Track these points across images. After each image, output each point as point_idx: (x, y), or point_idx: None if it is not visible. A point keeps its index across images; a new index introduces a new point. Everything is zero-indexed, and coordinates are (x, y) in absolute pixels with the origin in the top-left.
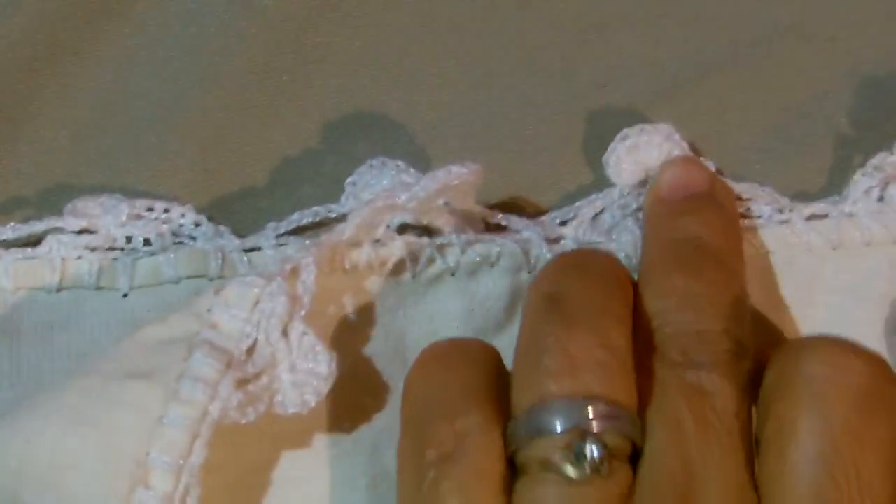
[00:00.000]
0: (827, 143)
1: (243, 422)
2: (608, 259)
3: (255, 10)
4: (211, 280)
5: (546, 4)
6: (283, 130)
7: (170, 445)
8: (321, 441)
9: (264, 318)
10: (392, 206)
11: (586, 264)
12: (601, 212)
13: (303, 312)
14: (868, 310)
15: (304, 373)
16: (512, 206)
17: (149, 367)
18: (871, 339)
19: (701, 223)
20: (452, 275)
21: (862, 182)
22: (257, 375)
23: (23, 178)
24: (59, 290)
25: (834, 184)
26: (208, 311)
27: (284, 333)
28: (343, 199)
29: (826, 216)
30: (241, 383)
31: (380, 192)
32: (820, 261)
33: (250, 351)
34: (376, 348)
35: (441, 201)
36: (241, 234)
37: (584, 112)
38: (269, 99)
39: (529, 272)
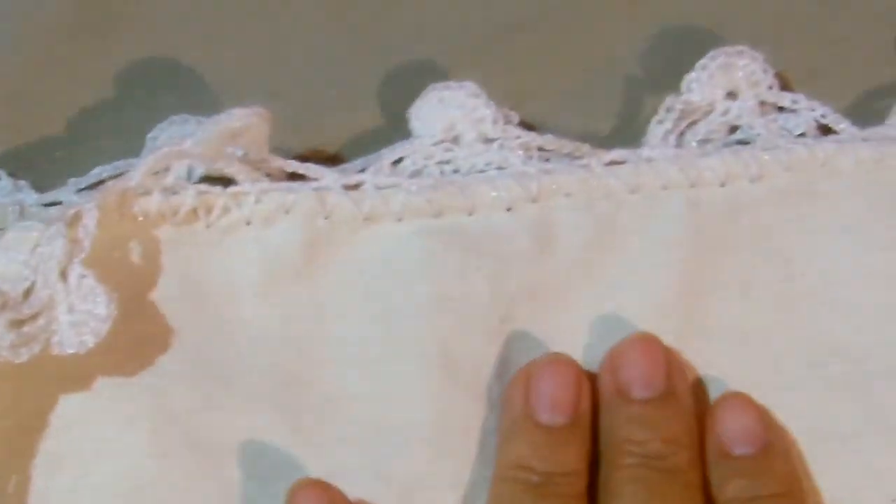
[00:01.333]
0: (626, 93)
1: (17, 361)
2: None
3: None
4: None
5: None
6: (85, 86)
7: None
8: (103, 383)
9: (42, 262)
10: (178, 152)
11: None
12: (401, 159)
13: (82, 256)
14: (665, 252)
15: (82, 313)
16: (313, 158)
17: None
18: (666, 283)
19: (662, 440)
20: (248, 223)
21: (658, 128)
22: (34, 316)
23: None
24: None
25: (635, 130)
26: None
27: (63, 276)
28: (144, 153)
29: (625, 162)
30: (16, 324)
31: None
32: (618, 205)
33: (27, 293)
34: (164, 294)
35: (234, 150)
36: (41, 189)
37: (391, 68)
38: (71, 55)
39: (326, 218)
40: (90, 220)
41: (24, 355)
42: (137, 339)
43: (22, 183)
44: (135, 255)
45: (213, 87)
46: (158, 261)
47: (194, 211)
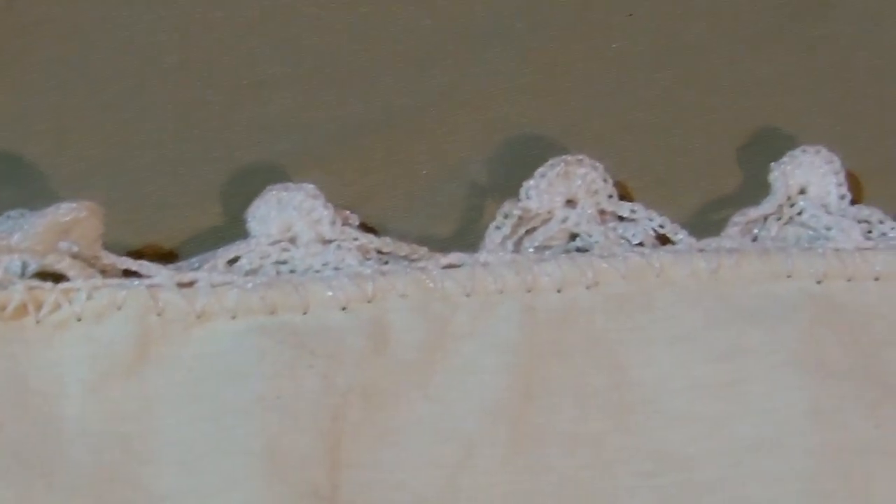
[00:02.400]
0: (469, 199)
1: None
2: None
3: None
4: None
5: (203, 63)
6: None
7: None
8: None
9: None
10: (5, 246)
11: None
12: (237, 258)
13: None
14: (499, 356)
15: None
16: (149, 255)
17: None
18: (498, 387)
19: None
20: (79, 319)
21: (496, 233)
22: None
23: None
24: None
25: (474, 237)
26: None
27: None
28: None
29: (461, 266)
30: None
31: None
32: (453, 308)
33: None
34: None
35: (65, 245)
36: None
37: (232, 168)
38: None
39: (158, 315)
40: None
41: None
42: None
43: None
44: None
45: (52, 182)
46: None
47: (23, 306)
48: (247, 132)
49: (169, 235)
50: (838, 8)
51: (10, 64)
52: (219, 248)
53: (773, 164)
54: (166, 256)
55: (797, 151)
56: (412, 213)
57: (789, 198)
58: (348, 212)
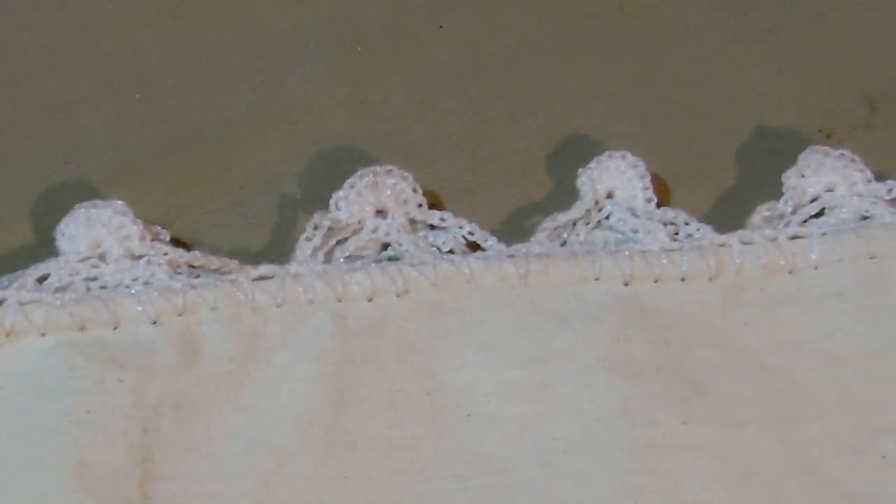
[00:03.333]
0: (280, 211)
1: None
2: None
3: None
4: None
5: (11, 83)
6: None
7: None
8: None
9: None
10: None
11: None
12: (47, 276)
13: None
14: (311, 365)
15: None
16: None
17: None
18: (311, 395)
19: None
20: None
21: (307, 245)
22: None
23: None
24: None
25: (287, 250)
26: None
27: None
28: None
29: (273, 277)
30: None
31: None
32: (264, 319)
33: None
34: None
35: None
36: None
37: (43, 188)
38: None
39: None
40: None
41: None
42: None
43: None
44: None
45: None
46: None
47: None
48: (56, 151)
49: None
50: (640, 18)
51: None
52: (26, 267)
53: (580, 169)
54: None
55: (603, 157)
56: (224, 227)
57: (597, 202)
58: (158, 227)
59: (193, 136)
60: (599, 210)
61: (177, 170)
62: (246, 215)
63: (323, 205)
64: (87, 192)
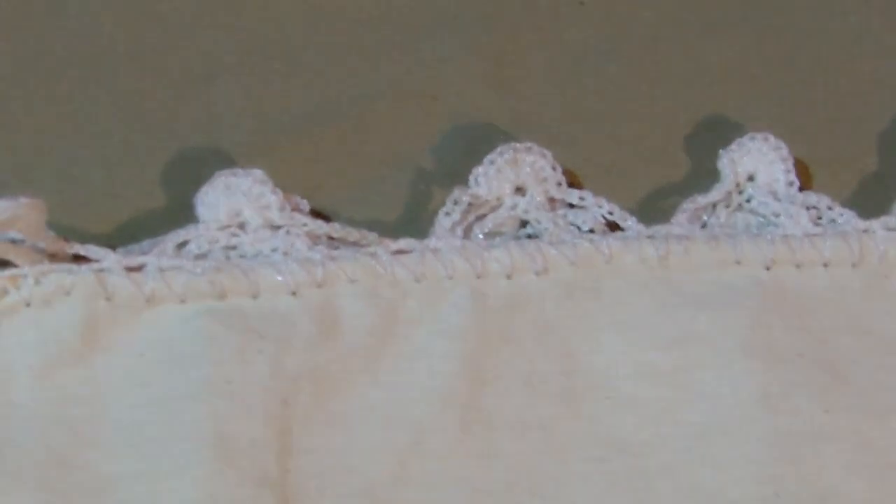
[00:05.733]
0: (416, 186)
1: None
2: None
3: None
4: None
5: (151, 53)
6: None
7: None
8: None
9: None
10: None
11: None
12: (186, 243)
13: None
14: (448, 342)
15: None
16: (99, 242)
17: None
18: (448, 372)
19: None
20: (27, 305)
21: (446, 220)
22: None
23: None
24: None
25: (423, 223)
26: None
27: None
28: None
29: (411, 252)
30: None
31: None
32: (403, 294)
33: None
34: None
35: (10, 235)
36: None
37: (180, 154)
38: None
39: (107, 300)
40: None
41: None
42: None
43: None
44: None
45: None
46: None
47: None
48: (196, 121)
49: (117, 223)
50: None
51: None
52: (167, 230)
53: (721, 151)
54: (113, 242)
55: (745, 139)
56: (360, 200)
57: (738, 185)
58: (298, 198)
59: (331, 109)
60: (740, 192)
61: (314, 142)
62: (381, 189)
63: (458, 181)
64: (226, 161)
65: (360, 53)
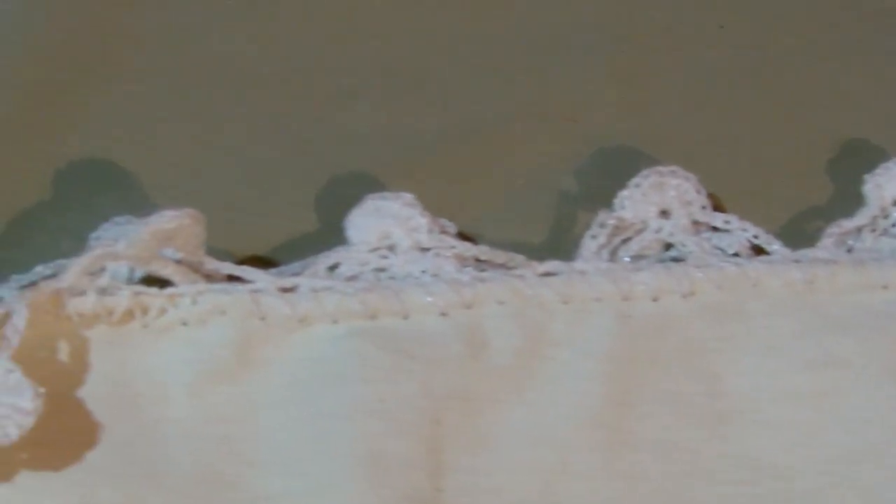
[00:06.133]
0: (559, 208)
1: None
2: None
3: (8, 70)
4: None
5: (292, 77)
6: (28, 186)
7: None
8: (28, 477)
9: None
10: (111, 253)
11: None
12: (337, 265)
13: (9, 352)
14: (594, 363)
15: (6, 406)
16: (248, 262)
17: None
18: (594, 393)
19: None
20: (184, 324)
21: (591, 242)
22: None
23: None
24: None
25: (566, 246)
26: None
27: None
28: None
29: (557, 274)
30: None
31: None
32: (550, 315)
33: None
34: (93, 392)
35: (169, 252)
36: None
37: (326, 178)
38: (17, 156)
39: (261, 319)
40: (19, 320)
41: None
42: (63, 435)
43: None
44: (62, 354)
45: (150, 190)
46: (86, 359)
47: (130, 312)
48: (339, 141)
49: (266, 244)
50: None
51: (107, 73)
52: (314, 255)
53: (866, 175)
54: (264, 263)
55: (890, 163)
56: (502, 222)
57: (883, 209)
58: (444, 220)
59: (472, 130)
60: (885, 217)
61: (456, 164)
62: (523, 211)
63: (600, 203)
64: (371, 183)
65: (502, 76)
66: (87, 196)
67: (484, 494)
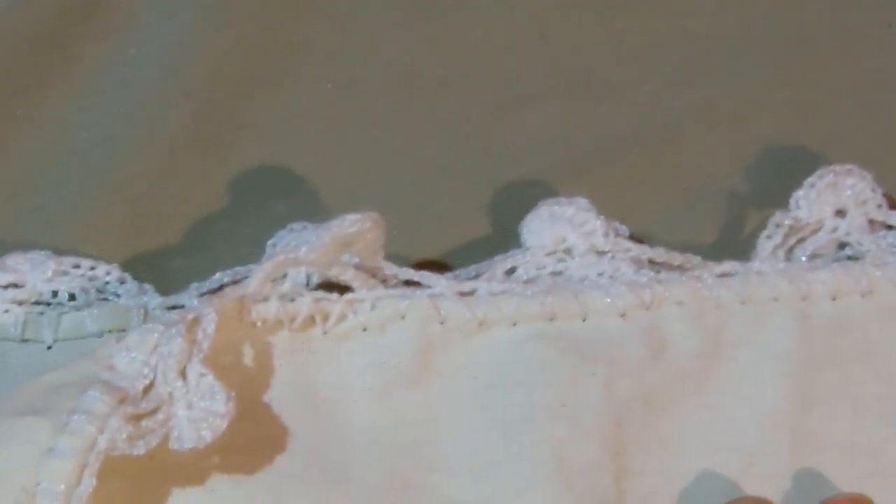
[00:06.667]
0: (729, 209)
1: (134, 453)
2: None
3: (187, 80)
4: None
5: (463, 82)
6: (206, 194)
7: (57, 475)
8: (219, 481)
9: (162, 360)
10: (293, 260)
11: None
12: (514, 269)
13: (201, 356)
14: (774, 364)
15: (200, 410)
16: (423, 266)
17: (43, 406)
18: (776, 395)
19: None
20: (364, 330)
21: (767, 243)
22: (152, 411)
23: None
24: None
25: (739, 247)
26: (109, 356)
27: (182, 374)
28: (263, 260)
29: (735, 275)
30: (135, 418)
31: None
32: (728, 316)
33: (146, 390)
34: (278, 397)
35: (348, 257)
36: (163, 293)
37: (499, 183)
38: (194, 164)
39: (440, 324)
40: (209, 324)
41: (140, 448)
42: (252, 439)
43: (146, 286)
44: (247, 360)
45: (324, 196)
46: (271, 364)
47: (311, 318)
48: (510, 146)
49: (438, 247)
50: None
51: (279, 83)
52: (488, 260)
53: None
54: (438, 267)
55: None
56: (675, 224)
57: None
58: (618, 223)
59: (641, 133)
60: None
61: (626, 167)
62: (696, 212)
63: (771, 203)
64: (542, 187)
65: (670, 78)
66: (262, 203)
67: (667, 497)
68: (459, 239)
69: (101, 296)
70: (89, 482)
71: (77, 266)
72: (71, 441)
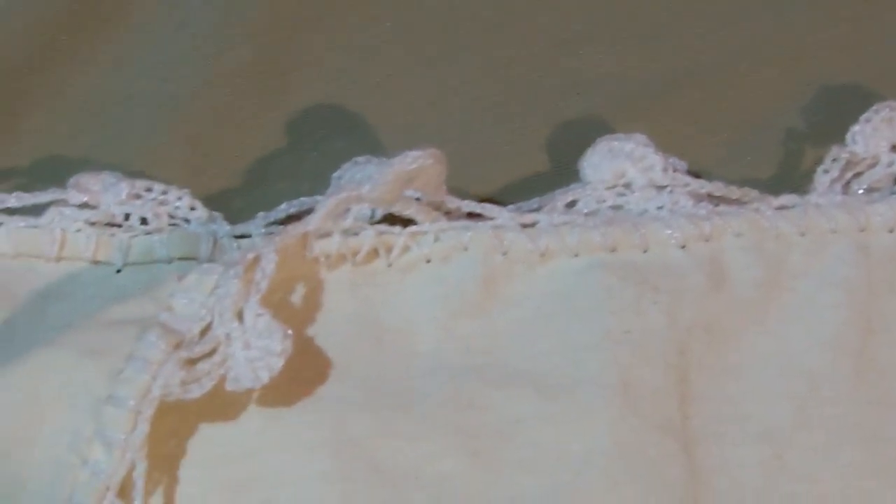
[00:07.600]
0: (786, 145)
1: (187, 398)
2: None
3: (245, 18)
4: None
5: (519, 22)
6: (270, 130)
7: (113, 423)
8: (281, 411)
9: (219, 301)
10: (357, 196)
11: None
12: (574, 202)
13: (259, 296)
14: (833, 294)
15: (258, 350)
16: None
17: (102, 346)
18: (838, 322)
19: None
20: (427, 261)
21: (824, 177)
22: (208, 354)
23: (23, 155)
24: (57, 260)
25: (795, 181)
26: (169, 295)
27: (239, 315)
28: (328, 192)
29: (793, 207)
30: (190, 362)
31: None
32: (788, 246)
33: (203, 332)
34: (341, 330)
35: (411, 193)
36: (232, 223)
37: (556, 121)
38: (256, 100)
39: (503, 255)
40: (268, 265)
41: (195, 392)
42: (314, 371)
43: (216, 214)
44: (308, 295)
45: (382, 133)
46: (333, 298)
47: (375, 251)
48: (567, 86)
49: (497, 183)
50: None
51: (338, 20)
52: (549, 193)
53: None
54: (498, 203)
55: None
56: (731, 160)
57: None
58: (676, 158)
59: (696, 72)
60: None
61: (681, 105)
62: (752, 149)
63: (826, 139)
64: (598, 125)
65: (722, 19)
66: (322, 140)
67: (732, 421)
68: (518, 175)
69: (172, 221)
70: (143, 428)
71: (149, 189)
72: (126, 389)
